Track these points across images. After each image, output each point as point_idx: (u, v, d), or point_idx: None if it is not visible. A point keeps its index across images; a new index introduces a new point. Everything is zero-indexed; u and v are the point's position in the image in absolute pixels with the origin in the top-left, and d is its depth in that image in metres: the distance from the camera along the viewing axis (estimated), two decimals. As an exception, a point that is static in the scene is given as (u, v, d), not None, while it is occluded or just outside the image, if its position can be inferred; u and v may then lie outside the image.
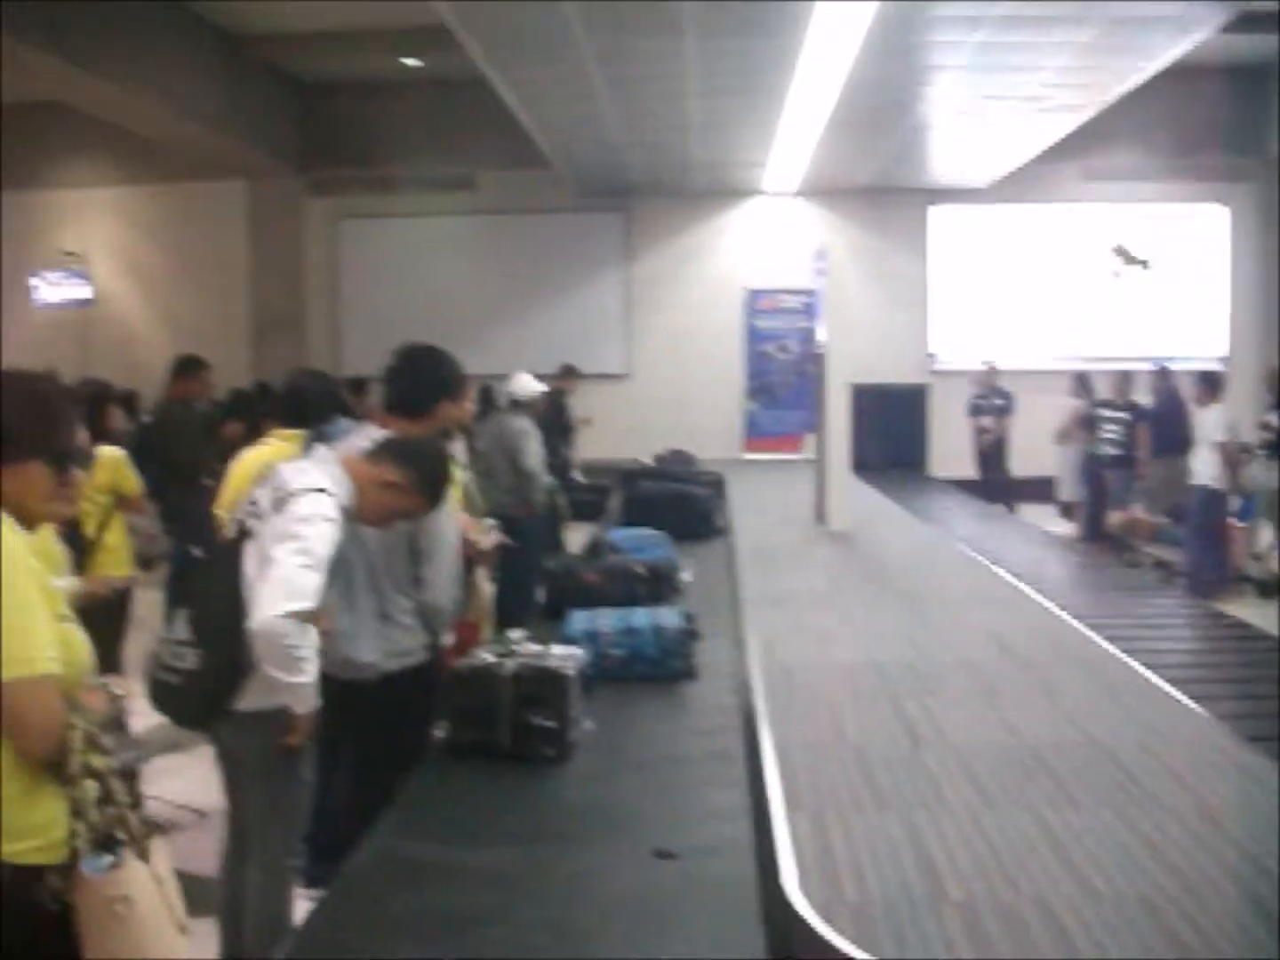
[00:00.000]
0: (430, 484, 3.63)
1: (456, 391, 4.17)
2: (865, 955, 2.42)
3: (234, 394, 8.93)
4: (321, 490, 3.34)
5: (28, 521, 2.38)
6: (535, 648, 3.82)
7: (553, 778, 3.56)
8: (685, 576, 5.98)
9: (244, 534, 3.35)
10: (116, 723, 2.42)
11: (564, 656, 3.79)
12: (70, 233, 16.75)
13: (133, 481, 5.84)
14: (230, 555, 3.34)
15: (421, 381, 4.09)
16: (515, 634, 3.89)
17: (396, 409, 4.05)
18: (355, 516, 3.51)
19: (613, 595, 5.23)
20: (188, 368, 8.39)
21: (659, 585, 5.65)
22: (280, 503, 3.30)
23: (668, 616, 4.65)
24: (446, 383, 4.13)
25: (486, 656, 3.73)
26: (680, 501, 8.42)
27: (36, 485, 2.36)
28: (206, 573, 3.47)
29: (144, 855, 2.28)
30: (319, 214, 16.41)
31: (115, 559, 5.68)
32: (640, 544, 6.40)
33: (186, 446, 7.63)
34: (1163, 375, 12.36)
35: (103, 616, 3.91)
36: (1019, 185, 15.29)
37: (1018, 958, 2.41)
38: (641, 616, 4.63)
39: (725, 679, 4.57)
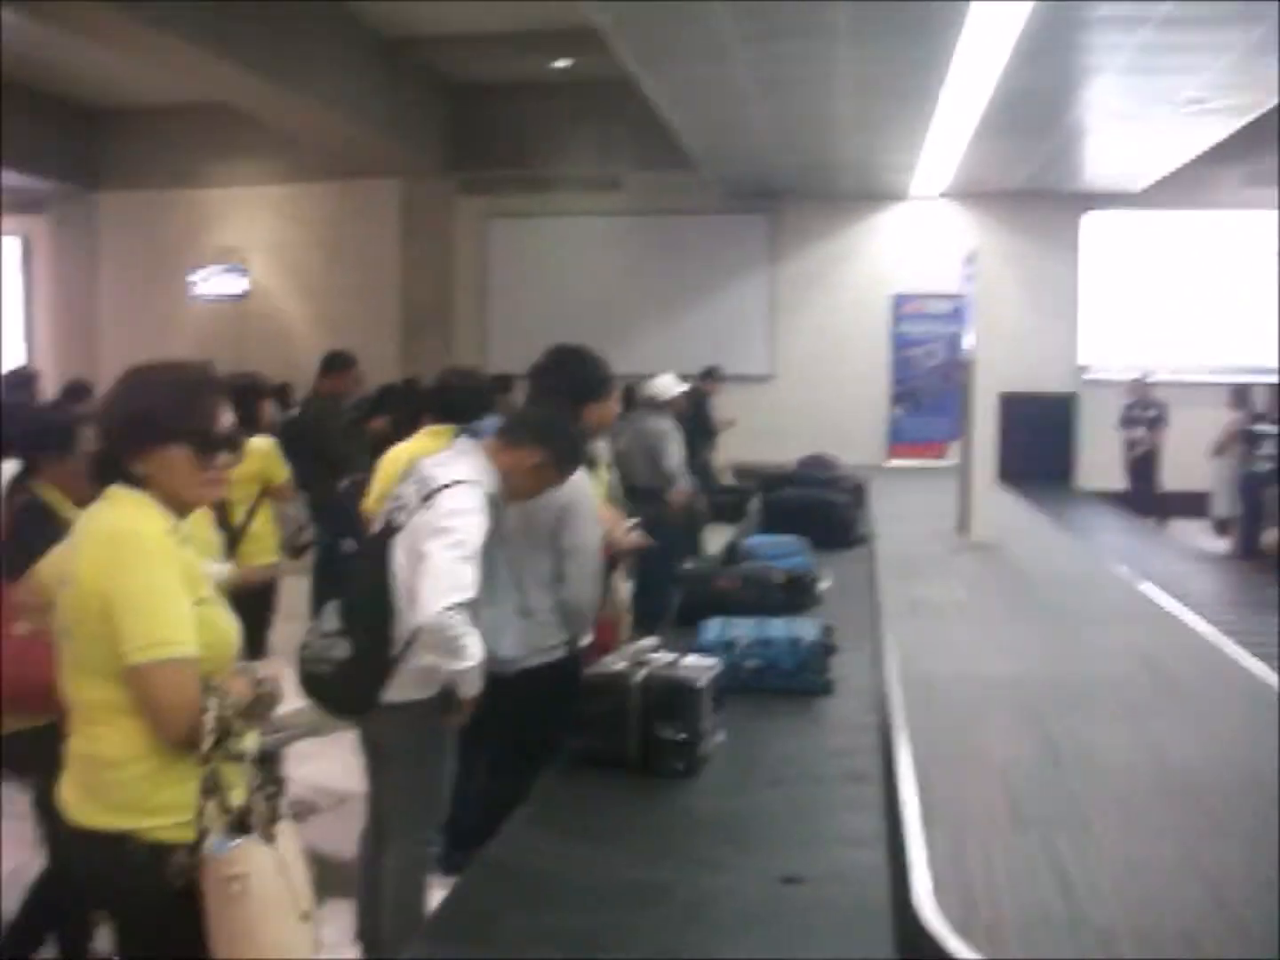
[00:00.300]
0: (572, 456, 3.68)
1: (603, 393, 4.20)
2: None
3: (382, 389, 9.12)
4: (467, 482, 3.38)
5: (178, 507, 2.43)
6: (667, 657, 3.69)
7: (681, 792, 3.41)
8: (823, 585, 5.91)
9: (392, 528, 3.42)
10: (261, 706, 2.45)
11: (696, 667, 3.64)
12: (230, 229, 17.25)
13: (282, 470, 5.98)
14: (379, 549, 3.41)
15: (569, 382, 4.12)
16: (646, 642, 3.77)
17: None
18: (503, 498, 3.56)
19: (748, 603, 5.06)
20: (337, 364, 8.57)
21: (796, 594, 5.50)
22: (427, 497, 3.36)
23: (805, 628, 4.45)
24: (593, 384, 4.15)
25: (616, 664, 3.61)
26: (820, 508, 8.11)
27: (179, 469, 2.40)
28: (357, 566, 3.54)
29: (270, 838, 2.30)
30: (469, 213, 16.64)
31: (262, 547, 5.81)
32: (778, 551, 6.19)
33: (334, 440, 7.80)
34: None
35: (250, 603, 3.99)
36: (1176, 190, 14.83)
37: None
38: (778, 627, 4.45)
39: (863, 696, 4.38)
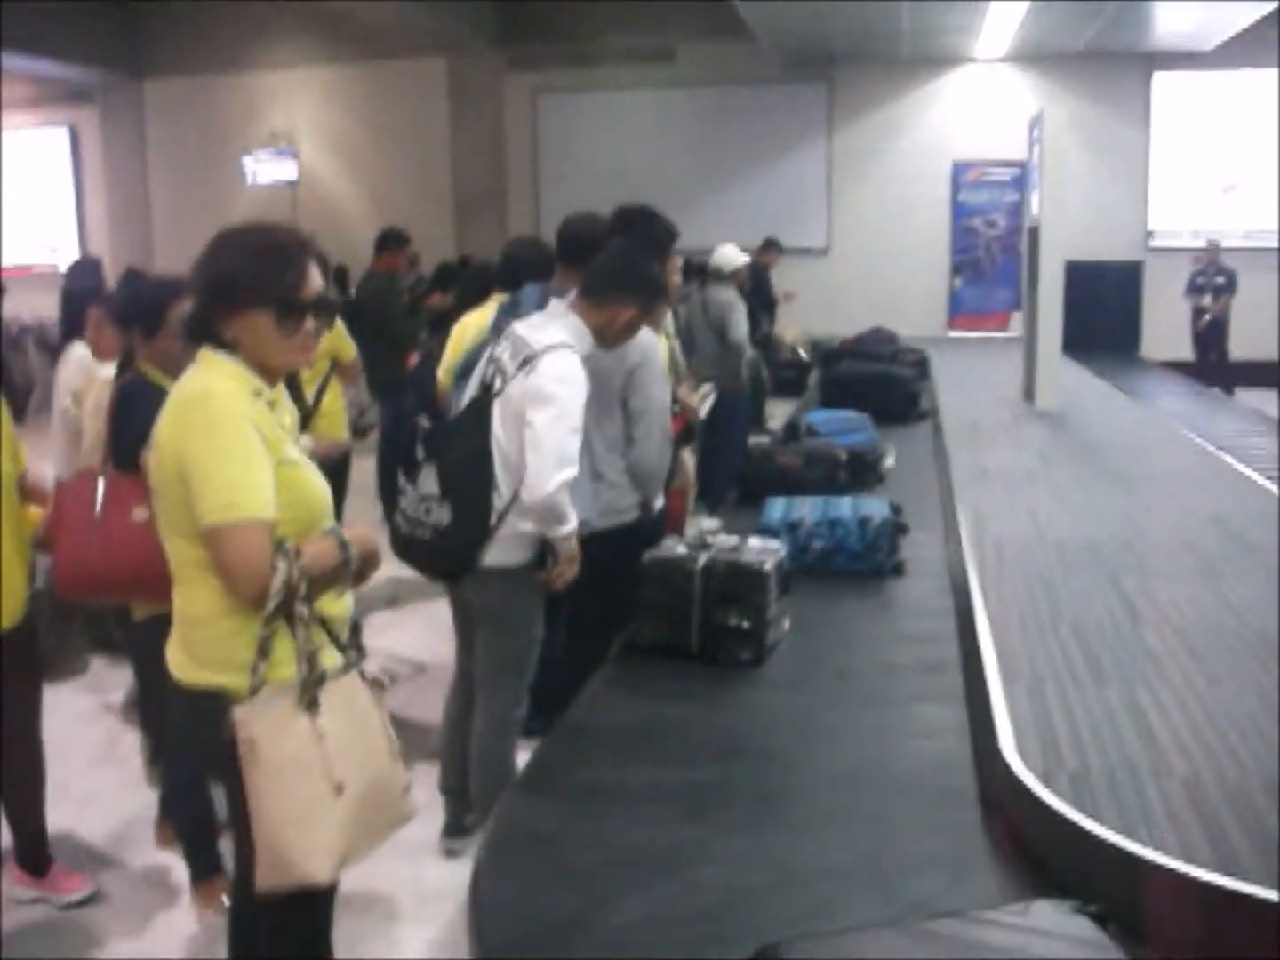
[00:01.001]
0: (657, 293, 3.68)
1: (669, 250, 4.16)
2: (1085, 820, 2.39)
3: (439, 267, 9.08)
4: (566, 346, 3.38)
5: (266, 371, 2.44)
6: (730, 540, 3.60)
7: (747, 684, 3.36)
8: (889, 462, 5.87)
9: (489, 392, 3.42)
10: (346, 570, 2.47)
11: (761, 550, 3.55)
12: (278, 113, 17.14)
13: (351, 348, 6.00)
14: (478, 413, 3.43)
15: (638, 239, 4.07)
16: (709, 523, 3.74)
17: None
18: (600, 347, 3.59)
19: (812, 481, 5.06)
20: (391, 242, 8.54)
21: (861, 471, 5.52)
22: (526, 361, 3.36)
23: (874, 507, 4.41)
24: (661, 241, 4.13)
25: (677, 549, 3.54)
26: (883, 382, 8.13)
27: (264, 333, 2.40)
28: (456, 430, 3.53)
29: (309, 704, 2.31)
30: (518, 89, 16.43)
31: (333, 423, 5.87)
32: (841, 427, 6.18)
33: (394, 318, 7.79)
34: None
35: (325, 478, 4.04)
36: (1250, 48, 14.34)
37: (1246, 835, 2.35)
38: (845, 506, 4.40)
39: (935, 578, 4.35)
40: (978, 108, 15.51)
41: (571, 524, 3.37)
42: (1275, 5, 12.67)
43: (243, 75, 17.10)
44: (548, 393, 3.29)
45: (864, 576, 4.26)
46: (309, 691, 2.32)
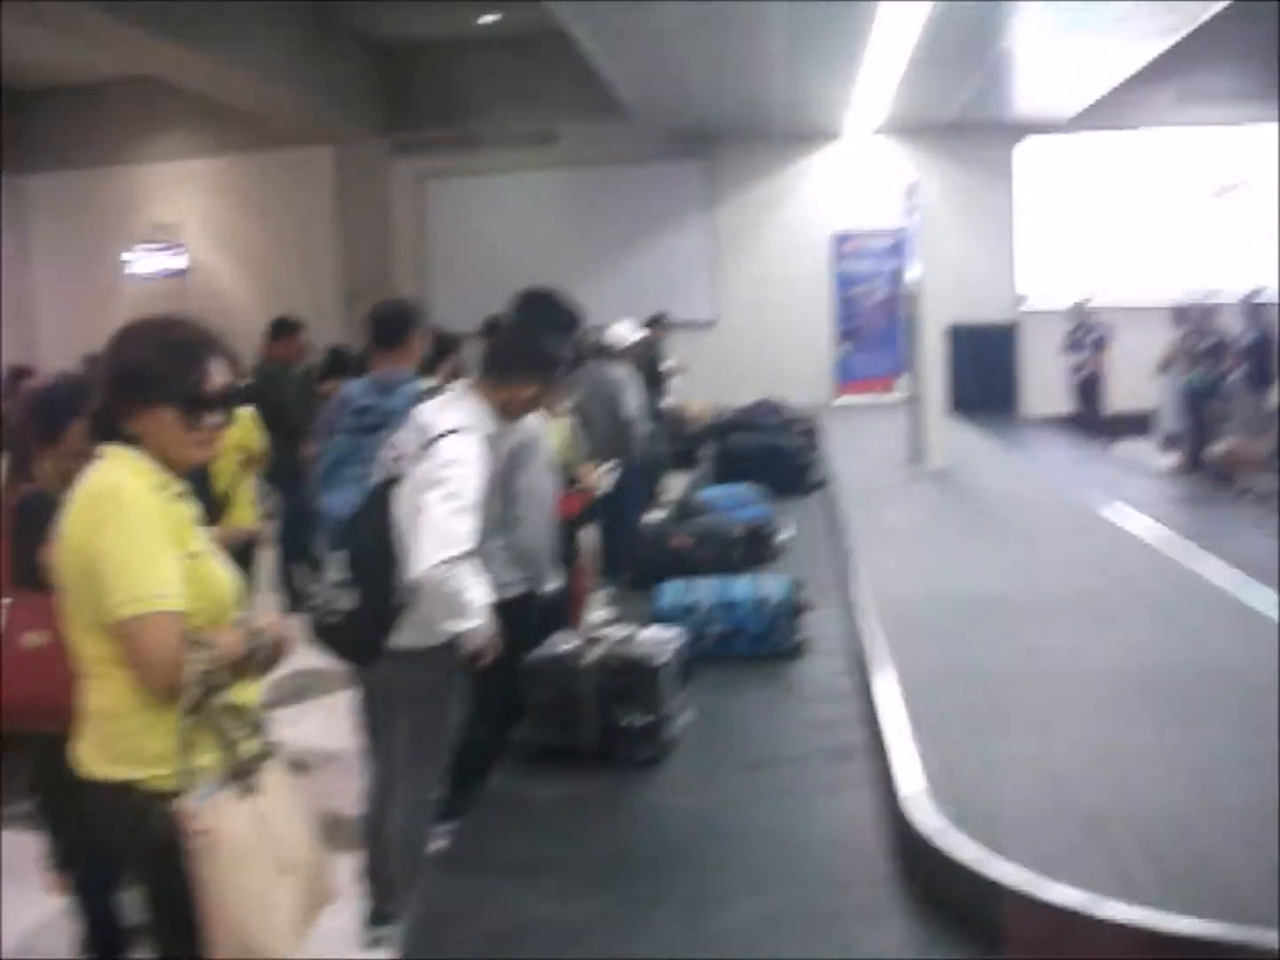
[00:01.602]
0: (556, 370, 3.68)
1: (573, 335, 4.21)
2: (992, 864, 2.46)
3: (331, 353, 9.09)
4: (463, 429, 3.41)
5: (169, 466, 2.44)
6: (622, 631, 3.47)
7: (647, 785, 3.21)
8: (785, 535, 5.83)
9: (392, 477, 3.46)
10: (259, 658, 2.47)
11: (656, 641, 3.42)
12: (163, 205, 17.02)
13: (260, 439, 6.01)
14: (380, 499, 3.45)
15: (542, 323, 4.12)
16: (599, 615, 3.66)
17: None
18: (502, 422, 3.62)
19: (707, 560, 4.95)
20: (284, 330, 8.56)
21: (757, 547, 5.43)
22: (426, 445, 3.39)
23: (771, 586, 4.27)
24: (566, 323, 4.17)
25: (566, 644, 3.40)
26: (774, 454, 8.11)
27: (168, 428, 2.41)
28: (360, 516, 3.54)
29: (247, 791, 2.33)
30: (405, 176, 16.51)
31: (244, 513, 5.90)
32: (734, 501, 6.11)
33: (288, 407, 7.78)
34: (1253, 307, 12.01)
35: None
36: (1108, 112, 14.88)
37: (1152, 868, 2.43)
38: (742, 587, 4.26)
39: (837, 656, 4.23)
40: (854, 180, 15.88)
41: (473, 620, 3.34)
42: (1131, 72, 13.21)
43: (127, 167, 16.97)
44: (437, 476, 3.32)
45: (765, 659, 4.13)
46: (243, 777, 2.33)
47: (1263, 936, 2.15)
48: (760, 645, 4.13)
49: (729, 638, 4.11)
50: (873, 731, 3.48)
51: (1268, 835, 2.53)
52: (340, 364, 8.27)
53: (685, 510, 5.89)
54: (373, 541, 3.40)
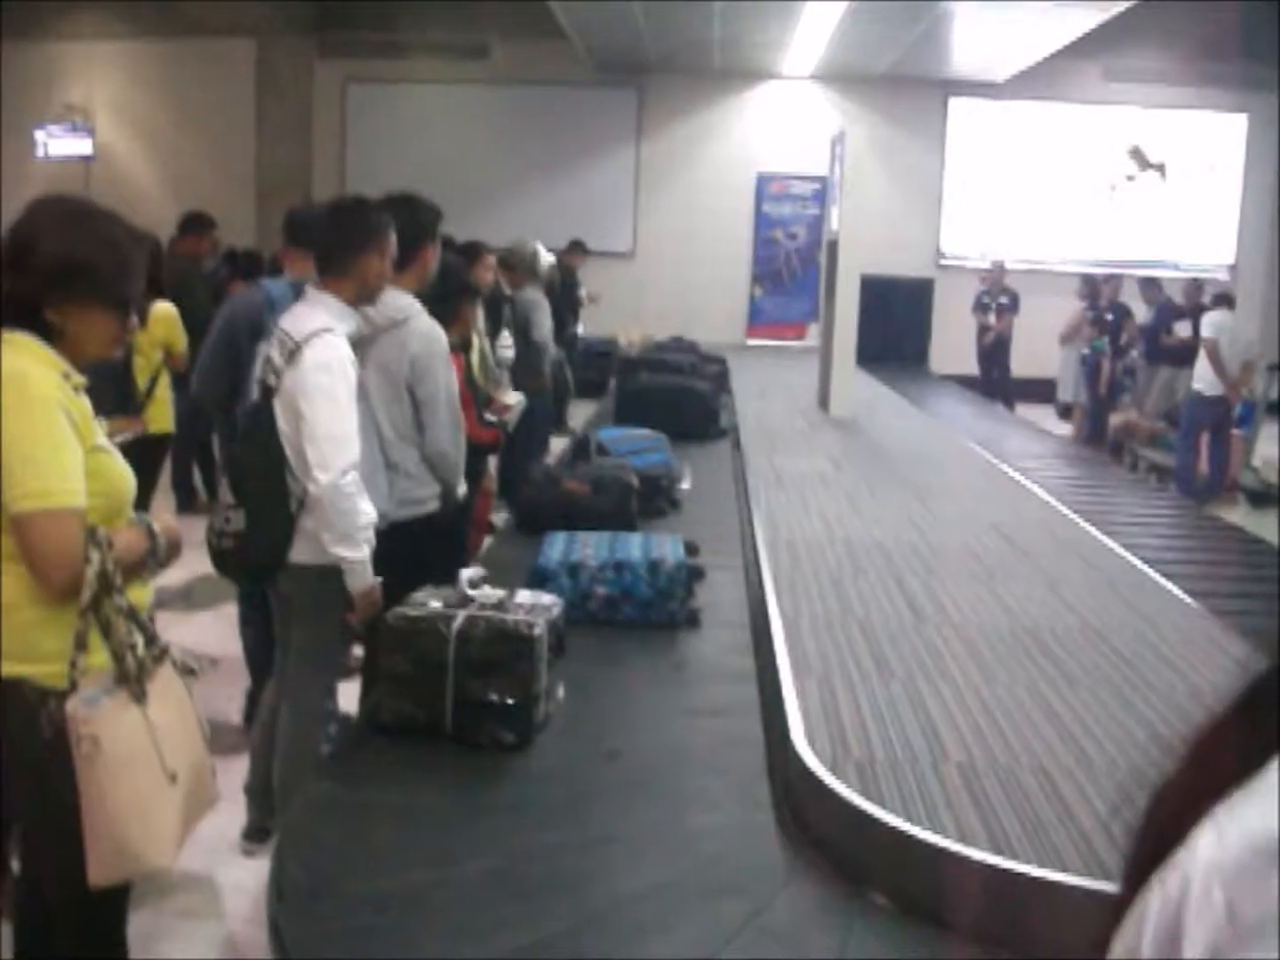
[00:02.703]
0: (385, 232, 3.58)
1: (434, 234, 4.14)
2: (869, 805, 2.54)
3: (241, 255, 8.91)
4: (325, 330, 3.37)
5: (80, 360, 2.39)
6: (494, 594, 3.08)
7: (507, 774, 2.83)
8: (684, 486, 5.65)
9: (268, 393, 3.40)
10: (154, 559, 2.46)
11: (531, 607, 3.07)
12: (76, 86, 16.51)
13: (182, 339, 5.93)
14: (260, 416, 3.41)
15: (402, 232, 4.07)
16: (470, 572, 3.19)
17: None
18: (367, 305, 3.58)
19: (600, 508, 4.70)
20: (196, 225, 8.37)
21: (654, 497, 5.22)
22: (291, 354, 3.34)
23: (666, 547, 3.96)
24: (425, 227, 4.10)
25: (430, 603, 3.03)
26: (681, 397, 7.78)
27: (100, 327, 2.38)
28: (242, 437, 3.51)
29: (138, 697, 2.31)
30: (328, 77, 16.18)
31: (162, 412, 5.82)
32: (635, 446, 5.85)
33: (197, 304, 7.63)
34: (1153, 284, 12.26)
35: (139, 464, 3.98)
36: (1038, 82, 15.10)
37: (1017, 817, 2.52)
38: (634, 546, 3.95)
39: (735, 629, 3.91)
40: (784, 123, 15.90)
41: (360, 552, 3.35)
42: (1063, 44, 13.33)
43: (39, 44, 16.41)
44: (312, 382, 3.29)
45: (654, 629, 3.78)
46: (135, 683, 2.31)
47: (1108, 887, 2.25)
48: (650, 613, 3.79)
49: (616, 602, 3.78)
50: (761, 662, 3.56)
51: (1129, 793, 2.64)
52: (249, 267, 8.12)
53: (582, 450, 5.62)
54: (258, 460, 3.38)
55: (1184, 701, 3.25)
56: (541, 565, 3.82)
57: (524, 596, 3.14)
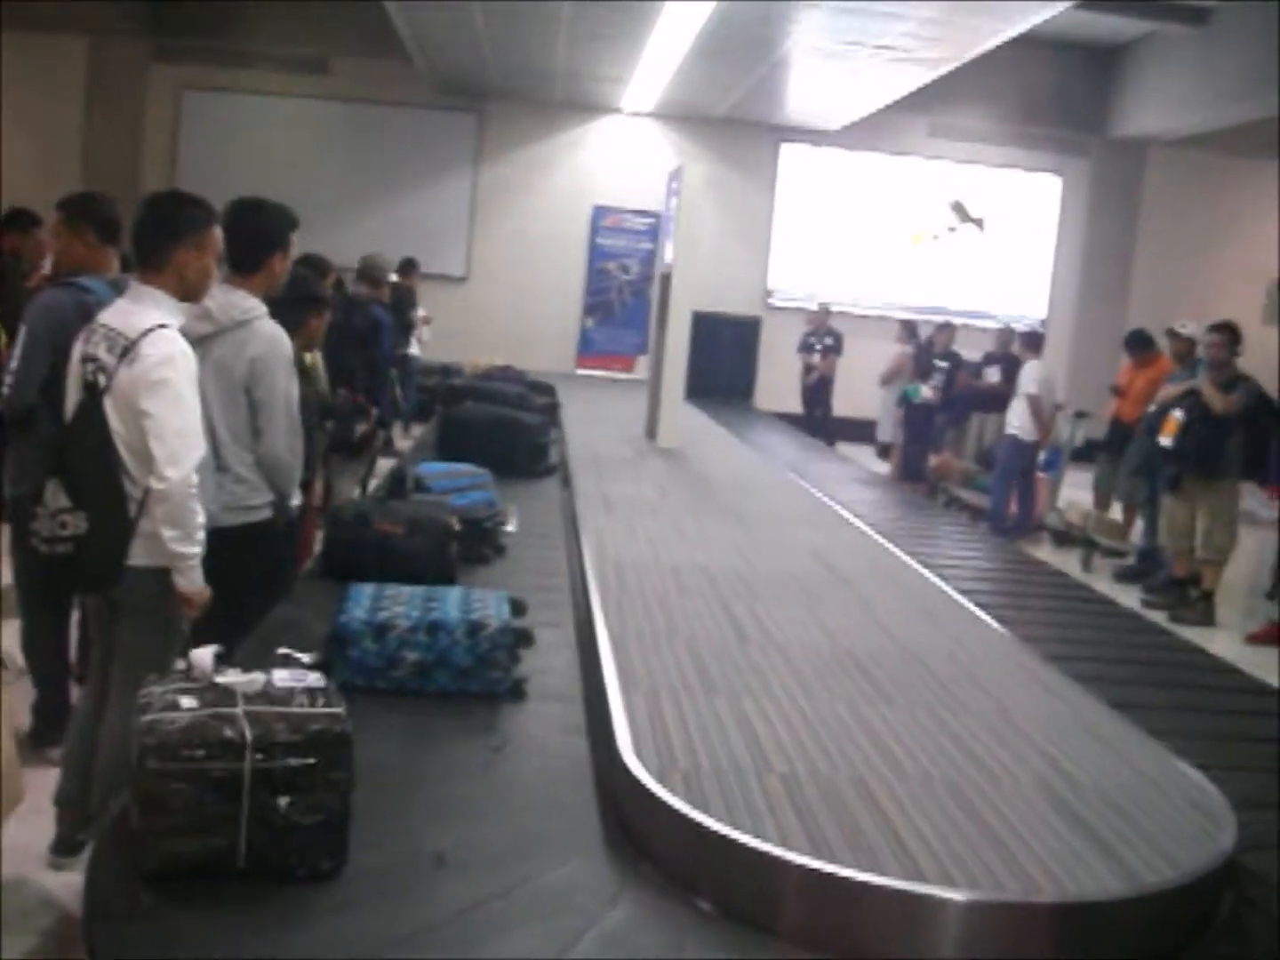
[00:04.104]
0: (203, 220, 3.50)
1: (286, 242, 4.12)
2: (695, 812, 2.60)
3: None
4: (163, 325, 3.32)
5: None
6: (255, 680, 2.44)
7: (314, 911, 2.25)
8: (510, 529, 5.31)
9: (95, 391, 3.33)
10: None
11: (308, 690, 2.44)
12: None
13: (3, 336, 5.73)
14: (89, 416, 3.33)
15: (252, 237, 4.02)
16: (202, 653, 2.52)
17: (229, 265, 3.98)
18: (193, 301, 3.52)
19: (416, 553, 4.26)
20: (20, 221, 8.09)
21: (476, 542, 4.80)
22: (125, 351, 3.28)
23: (490, 606, 3.51)
24: (275, 236, 4.09)
25: (178, 701, 2.35)
26: (509, 429, 7.32)
27: None
28: (70, 439, 3.39)
29: None
30: (163, 81, 15.83)
31: None
32: (456, 483, 5.45)
33: (19, 301, 7.39)
34: (1006, 333, 12.62)
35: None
36: (868, 133, 15.62)
37: (836, 823, 2.62)
38: (452, 604, 3.48)
39: (565, 702, 3.46)
40: (621, 157, 16.11)
41: (195, 548, 3.32)
42: (894, 98, 13.80)
43: None
44: (156, 378, 3.24)
45: (472, 700, 3.32)
46: None
47: (925, 889, 2.37)
48: (468, 682, 3.35)
49: (428, 670, 3.32)
50: (588, 680, 3.61)
51: (941, 802, 2.77)
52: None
53: (398, 486, 5.18)
54: (93, 461, 3.29)
55: (993, 718, 3.41)
56: (343, 624, 3.33)
57: (282, 675, 2.49)
